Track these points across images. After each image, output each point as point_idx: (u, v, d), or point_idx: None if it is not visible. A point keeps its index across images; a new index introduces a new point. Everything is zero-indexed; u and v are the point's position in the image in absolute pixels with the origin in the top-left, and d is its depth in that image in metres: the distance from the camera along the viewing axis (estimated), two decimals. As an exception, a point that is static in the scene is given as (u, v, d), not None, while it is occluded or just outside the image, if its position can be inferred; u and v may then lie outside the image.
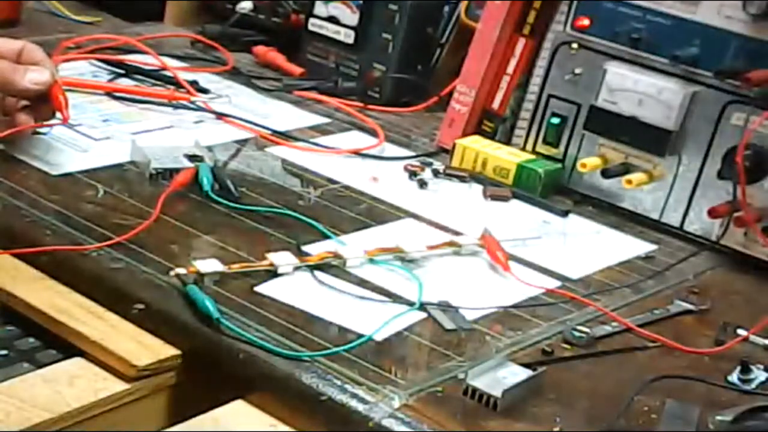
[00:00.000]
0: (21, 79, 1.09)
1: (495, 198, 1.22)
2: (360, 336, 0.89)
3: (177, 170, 1.11)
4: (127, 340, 0.87)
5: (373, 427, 0.79)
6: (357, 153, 1.29)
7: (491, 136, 1.33)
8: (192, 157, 1.15)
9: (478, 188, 1.24)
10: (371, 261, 1.01)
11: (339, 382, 0.82)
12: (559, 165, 1.27)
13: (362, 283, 0.98)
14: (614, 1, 1.23)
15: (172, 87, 1.38)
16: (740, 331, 0.98)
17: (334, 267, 0.99)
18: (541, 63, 1.30)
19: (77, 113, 1.24)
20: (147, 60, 1.44)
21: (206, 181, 1.09)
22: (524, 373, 0.85)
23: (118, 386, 0.84)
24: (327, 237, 1.05)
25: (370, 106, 1.45)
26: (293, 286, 0.95)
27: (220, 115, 1.33)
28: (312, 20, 1.53)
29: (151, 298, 0.90)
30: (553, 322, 0.97)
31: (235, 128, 1.31)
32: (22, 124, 1.11)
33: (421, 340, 0.91)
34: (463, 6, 1.50)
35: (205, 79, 1.44)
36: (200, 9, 1.70)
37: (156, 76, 1.42)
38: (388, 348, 0.89)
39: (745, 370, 0.91)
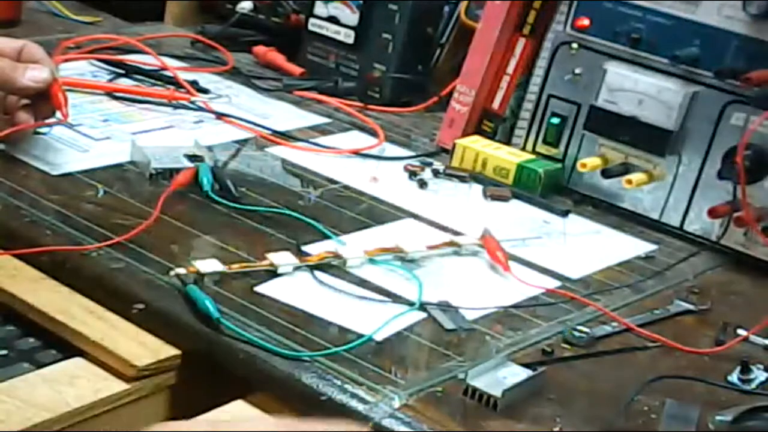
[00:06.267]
0: (21, 77, 1.09)
1: (495, 198, 1.22)
2: (360, 336, 0.88)
3: (177, 170, 1.11)
4: (127, 340, 0.87)
5: (373, 427, 0.79)
6: (357, 153, 1.29)
7: (491, 136, 1.33)
8: (192, 157, 1.15)
9: (478, 188, 1.24)
10: (371, 261, 1.01)
11: (339, 382, 0.82)
12: (559, 165, 1.27)
13: (362, 283, 0.98)
14: (614, 1, 1.23)
15: (172, 87, 1.38)
16: (740, 331, 0.98)
17: (334, 267, 0.99)
18: (541, 63, 1.30)
19: (77, 113, 1.24)
20: (147, 60, 1.44)
21: (206, 181, 1.09)
22: (524, 373, 0.85)
23: (118, 386, 0.84)
24: (327, 237, 1.05)
25: (370, 106, 1.45)
26: (293, 286, 0.95)
27: (220, 115, 1.33)
28: (312, 20, 1.53)
29: (151, 298, 0.90)
30: (553, 322, 0.97)
31: (235, 128, 1.30)
32: (23, 123, 1.11)
33: (421, 340, 0.91)
34: (463, 6, 1.50)
35: (205, 79, 1.44)
36: (200, 9, 1.70)
37: (156, 76, 1.42)
38: (388, 348, 0.88)
39: (745, 370, 0.91)
